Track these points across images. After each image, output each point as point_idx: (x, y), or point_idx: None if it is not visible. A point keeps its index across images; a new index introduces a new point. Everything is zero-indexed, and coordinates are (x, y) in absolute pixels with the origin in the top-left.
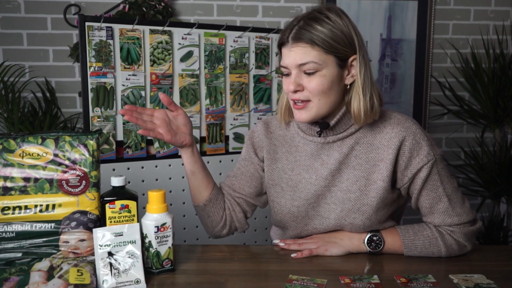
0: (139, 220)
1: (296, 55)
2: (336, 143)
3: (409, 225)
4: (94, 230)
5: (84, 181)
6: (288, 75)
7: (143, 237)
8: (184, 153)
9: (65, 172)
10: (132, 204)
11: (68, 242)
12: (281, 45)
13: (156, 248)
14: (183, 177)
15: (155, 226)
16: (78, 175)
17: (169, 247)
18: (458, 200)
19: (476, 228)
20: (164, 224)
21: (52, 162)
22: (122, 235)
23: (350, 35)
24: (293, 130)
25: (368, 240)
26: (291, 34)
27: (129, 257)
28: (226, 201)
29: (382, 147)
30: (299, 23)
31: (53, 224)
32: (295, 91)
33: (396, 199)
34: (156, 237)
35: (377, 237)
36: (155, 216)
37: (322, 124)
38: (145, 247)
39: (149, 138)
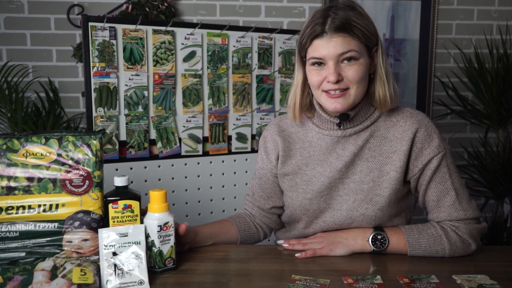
0: (142, 220)
1: (337, 44)
2: (352, 136)
3: (413, 224)
4: (99, 230)
5: (87, 181)
6: (320, 65)
7: (145, 236)
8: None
9: (68, 172)
10: (135, 204)
11: (71, 242)
12: (314, 37)
13: (159, 247)
14: (186, 177)
15: (158, 225)
16: (81, 175)
17: (171, 246)
18: (465, 196)
19: (481, 226)
20: (167, 223)
21: (55, 162)
22: (127, 235)
23: (375, 26)
24: (307, 126)
25: (372, 238)
26: (327, 26)
27: (134, 258)
28: (258, 221)
29: (395, 139)
30: (332, 14)
31: (56, 224)
32: (337, 81)
33: (406, 195)
34: (159, 236)
35: (382, 236)
36: (157, 215)
37: (342, 116)
38: (147, 246)
39: (151, 138)
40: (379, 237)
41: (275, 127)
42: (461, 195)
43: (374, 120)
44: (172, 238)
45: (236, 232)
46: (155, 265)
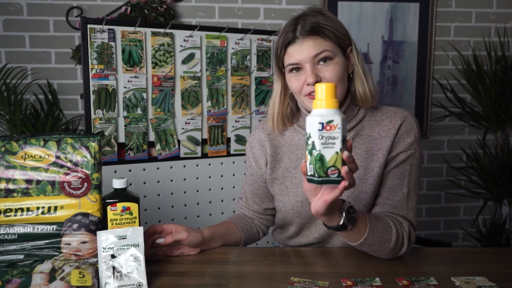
0: (140, 224)
1: (310, 47)
2: None
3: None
4: (98, 233)
5: (85, 183)
6: (298, 70)
7: (306, 138)
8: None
9: (67, 174)
10: (133, 206)
11: (69, 244)
12: (287, 45)
13: (319, 151)
14: (184, 179)
15: (319, 123)
16: (80, 177)
17: (337, 153)
18: (413, 200)
19: (414, 235)
20: (331, 121)
21: (54, 164)
22: (125, 238)
23: (345, 28)
24: (292, 128)
25: (346, 210)
26: (298, 31)
27: (132, 261)
28: (256, 222)
29: (380, 138)
30: (301, 21)
31: (55, 226)
32: (316, 82)
33: None
34: (320, 137)
35: (353, 210)
36: (320, 111)
37: None
38: (307, 149)
39: (150, 140)
40: (351, 210)
41: (261, 132)
42: (411, 197)
43: (359, 120)
44: (338, 143)
45: (240, 233)
46: (314, 173)
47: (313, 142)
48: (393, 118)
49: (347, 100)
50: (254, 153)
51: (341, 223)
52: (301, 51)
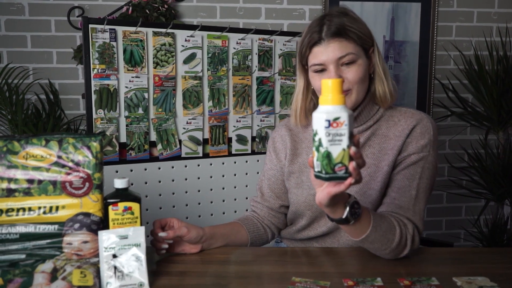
0: (142, 223)
1: (335, 49)
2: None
3: None
4: (99, 232)
5: (87, 183)
6: (321, 71)
7: (313, 134)
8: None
9: (68, 174)
10: (135, 206)
11: (71, 244)
12: (312, 45)
13: (326, 148)
14: (186, 179)
15: (326, 120)
16: (81, 177)
17: (344, 149)
18: (421, 203)
19: (418, 239)
20: (337, 118)
21: (55, 164)
22: (127, 238)
23: (369, 29)
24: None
25: (351, 205)
26: (324, 32)
27: (134, 260)
28: (267, 222)
29: (394, 137)
30: (327, 22)
31: (56, 226)
32: None
33: None
34: (327, 134)
35: (358, 205)
36: (326, 107)
37: None
38: (314, 146)
39: (152, 140)
40: (355, 205)
41: (283, 128)
42: (419, 200)
43: (377, 119)
44: (345, 140)
45: (246, 233)
46: (322, 169)
47: (319, 139)
48: (409, 119)
49: (365, 99)
50: (275, 147)
51: (344, 216)
52: (326, 53)
